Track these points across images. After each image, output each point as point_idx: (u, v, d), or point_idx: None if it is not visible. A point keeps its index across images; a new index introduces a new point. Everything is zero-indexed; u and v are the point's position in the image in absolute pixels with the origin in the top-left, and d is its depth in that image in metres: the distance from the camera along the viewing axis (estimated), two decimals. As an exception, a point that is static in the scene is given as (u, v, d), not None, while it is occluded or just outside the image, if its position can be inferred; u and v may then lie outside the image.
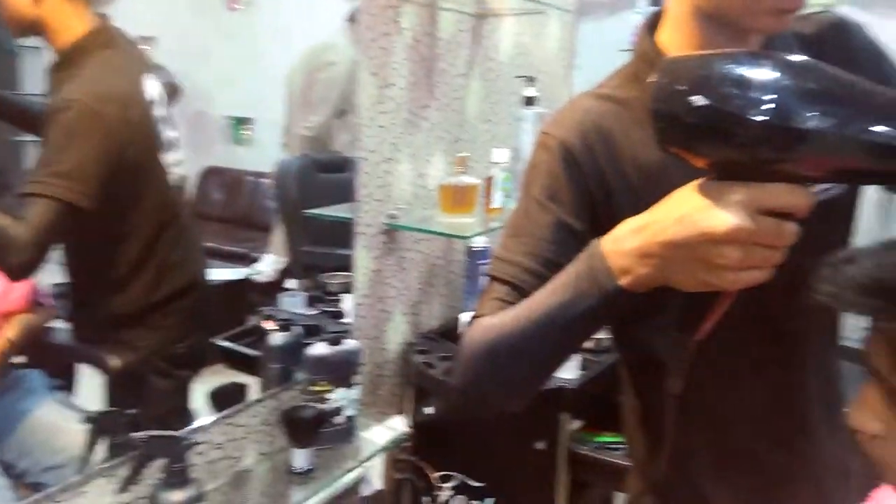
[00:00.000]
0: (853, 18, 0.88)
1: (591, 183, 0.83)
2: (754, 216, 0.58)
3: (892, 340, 0.55)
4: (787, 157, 0.56)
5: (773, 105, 0.53)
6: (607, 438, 1.61)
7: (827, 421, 0.99)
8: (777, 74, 0.54)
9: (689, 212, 0.62)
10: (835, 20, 0.89)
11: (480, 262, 1.67)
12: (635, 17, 2.76)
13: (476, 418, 1.46)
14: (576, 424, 1.52)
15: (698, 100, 0.56)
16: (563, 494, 1.45)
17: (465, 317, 1.63)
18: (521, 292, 0.81)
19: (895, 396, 0.57)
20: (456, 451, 1.60)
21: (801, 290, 0.93)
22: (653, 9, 0.91)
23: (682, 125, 0.59)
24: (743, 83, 0.55)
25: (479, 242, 1.68)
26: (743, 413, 0.94)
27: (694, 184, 0.63)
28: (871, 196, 0.95)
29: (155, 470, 1.08)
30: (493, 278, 0.85)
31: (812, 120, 0.53)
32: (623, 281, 0.69)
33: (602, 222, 0.82)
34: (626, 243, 0.68)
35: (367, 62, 1.50)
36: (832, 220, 0.87)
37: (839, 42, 0.86)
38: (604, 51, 2.29)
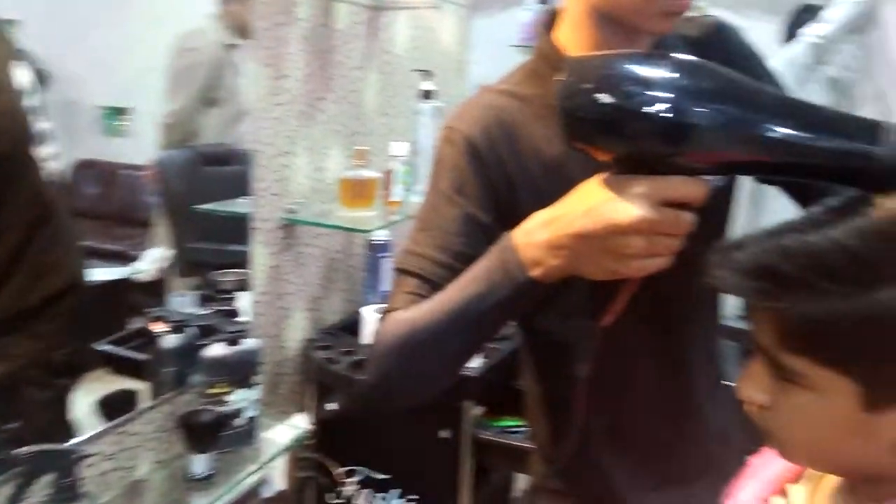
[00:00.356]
0: (731, 23, 0.95)
1: (496, 177, 0.85)
2: (656, 207, 0.62)
3: (775, 319, 0.59)
4: (684, 151, 0.60)
5: (671, 103, 0.57)
6: (509, 423, 1.65)
7: (710, 394, 1.07)
8: (675, 74, 0.58)
9: (596, 205, 0.65)
10: (716, 23, 0.95)
11: (381, 255, 1.67)
12: (525, 14, 2.84)
13: (379, 412, 1.46)
14: (478, 411, 1.56)
15: (603, 97, 0.59)
16: (467, 480, 1.49)
17: (366, 311, 1.62)
18: (432, 285, 0.82)
19: (779, 370, 0.62)
20: (360, 446, 1.60)
21: (689, 274, 0.99)
22: (541, 6, 0.94)
23: (587, 122, 0.62)
24: (643, 82, 0.58)
25: (379, 236, 1.67)
26: (638, 391, 1.00)
27: (598, 178, 0.67)
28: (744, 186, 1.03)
29: (42, 487, 1.02)
30: (404, 272, 0.85)
31: (706, 116, 0.57)
32: (534, 272, 0.71)
33: (507, 215, 0.85)
34: (536, 236, 0.71)
35: (260, 52, 1.46)
36: (715, 210, 0.94)
37: (720, 44, 0.92)
38: (495, 46, 2.34)
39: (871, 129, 0.57)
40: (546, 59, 0.88)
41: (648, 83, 0.58)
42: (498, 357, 1.64)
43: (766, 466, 0.82)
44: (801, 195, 0.94)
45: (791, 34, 2.64)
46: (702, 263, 1.04)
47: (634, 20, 0.80)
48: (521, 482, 1.95)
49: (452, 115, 0.90)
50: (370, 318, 1.60)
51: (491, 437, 1.54)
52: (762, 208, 2.17)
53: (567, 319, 0.91)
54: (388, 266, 1.70)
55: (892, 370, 0.53)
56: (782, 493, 0.75)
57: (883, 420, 0.56)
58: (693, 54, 0.95)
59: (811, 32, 2.58)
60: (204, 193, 1.54)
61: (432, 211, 0.86)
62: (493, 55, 2.41)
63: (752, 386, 0.64)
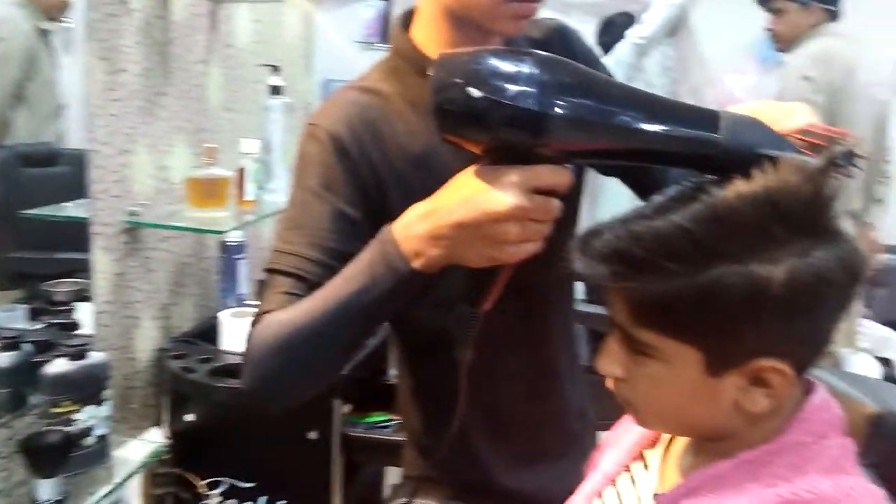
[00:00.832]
0: (571, 26, 1.02)
1: (363, 172, 0.86)
2: (527, 195, 0.66)
3: (628, 298, 0.65)
4: (548, 142, 0.65)
5: (535, 96, 0.61)
6: (377, 418, 1.66)
7: (570, 375, 1.15)
8: (537, 69, 0.63)
9: (472, 195, 0.68)
10: (558, 26, 1.02)
11: (236, 257, 1.61)
12: (368, 10, 2.85)
13: (242, 419, 1.42)
14: (345, 409, 1.55)
15: (472, 91, 0.62)
16: (338, 479, 1.48)
17: (223, 316, 1.56)
18: (307, 283, 0.82)
19: (633, 344, 0.68)
20: (222, 456, 1.53)
21: (549, 261, 1.06)
22: (384, 2, 0.96)
23: (458, 115, 0.65)
24: (509, 76, 0.62)
25: (233, 237, 1.61)
26: (508, 376, 1.05)
27: (472, 169, 0.70)
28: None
29: None
30: (275, 272, 0.84)
31: (568, 108, 0.62)
32: (416, 263, 0.73)
33: (376, 211, 0.86)
34: (415, 228, 0.73)
35: (93, 45, 1.35)
36: (568, 199, 1.01)
37: (562, 45, 0.99)
38: (340, 42, 2.33)
39: (711, 118, 0.64)
40: (404, 56, 0.90)
41: (514, 77, 0.63)
42: (362, 353, 1.64)
43: (623, 436, 0.90)
44: (640, 187, 1.04)
45: (602, 44, 2.87)
46: (559, 250, 1.12)
47: (486, 22, 0.84)
48: (392, 476, 1.97)
49: (315, 113, 0.91)
50: (228, 323, 1.54)
51: (361, 434, 1.55)
52: (600, 201, 2.34)
53: (446, 308, 0.93)
54: (244, 268, 1.64)
55: (727, 338, 0.61)
56: (640, 458, 0.83)
57: (723, 383, 0.63)
58: None
59: (633, 34, 2.81)
60: (25, 198, 1.40)
61: (301, 208, 0.86)
62: (337, 51, 2.41)
63: (609, 361, 0.70)
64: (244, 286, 1.66)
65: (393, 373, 1.81)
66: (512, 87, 0.62)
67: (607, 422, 1.04)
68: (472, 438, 1.06)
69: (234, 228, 1.51)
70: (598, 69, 1.03)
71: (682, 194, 0.63)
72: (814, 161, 0.59)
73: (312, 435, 1.45)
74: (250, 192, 1.54)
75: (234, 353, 1.52)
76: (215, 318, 1.59)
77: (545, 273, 1.01)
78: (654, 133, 0.64)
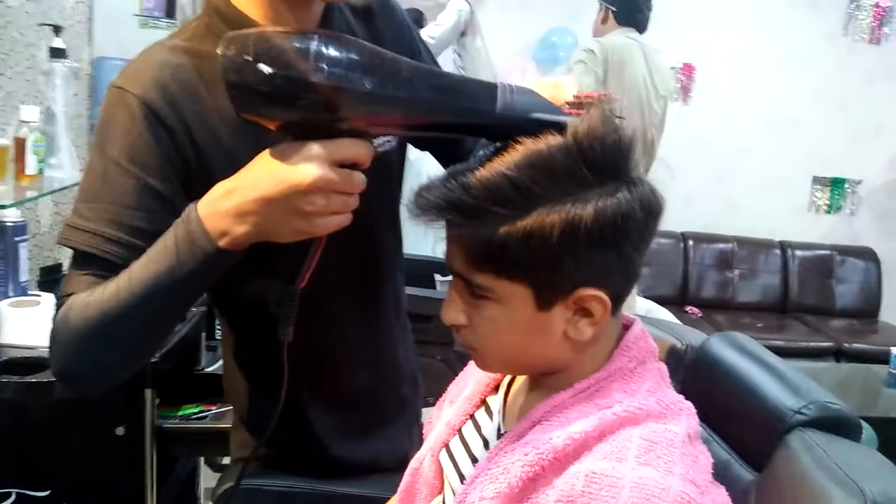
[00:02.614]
0: None
1: (180, 141, 0.81)
2: (331, 167, 0.67)
3: (463, 244, 0.69)
4: (342, 116, 0.66)
5: (325, 71, 0.63)
6: (190, 410, 1.56)
7: (403, 338, 1.17)
8: (326, 47, 0.64)
9: (276, 169, 0.68)
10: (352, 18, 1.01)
11: (17, 239, 1.41)
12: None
13: (33, 418, 1.27)
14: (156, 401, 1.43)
15: (265, 68, 0.63)
16: (151, 475, 1.36)
17: (3, 306, 1.37)
18: (110, 265, 0.76)
19: (473, 290, 0.72)
20: (8, 464, 1.34)
21: (375, 231, 1.07)
22: None
23: (252, 93, 0.65)
24: (300, 53, 0.63)
25: (11, 217, 1.41)
26: (344, 348, 1.05)
27: (275, 147, 0.69)
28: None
29: None
30: (77, 252, 0.78)
31: (355, 83, 0.65)
32: (222, 242, 0.71)
33: (196, 182, 0.81)
34: (220, 205, 0.71)
35: None
36: (387, 170, 1.03)
37: (385, 14, 1.01)
38: (117, 15, 2.12)
39: (489, 89, 0.70)
40: (222, 16, 0.86)
41: (304, 54, 0.64)
42: (171, 343, 1.53)
43: (463, 389, 0.93)
44: (448, 160, 1.09)
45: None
46: (384, 221, 1.13)
47: None
48: (207, 471, 1.87)
49: (122, 75, 0.82)
50: (9, 315, 1.35)
51: (176, 426, 1.44)
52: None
53: (265, 286, 0.91)
54: (24, 252, 1.45)
55: (551, 272, 0.67)
56: (482, 404, 0.87)
57: (552, 316, 0.70)
58: (359, 22, 1.03)
59: (426, 32, 2.96)
60: None
61: (102, 181, 0.78)
62: (113, 25, 2.18)
63: (453, 310, 0.74)
64: (25, 273, 1.46)
65: (205, 362, 1.72)
66: (302, 64, 0.63)
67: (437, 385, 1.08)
68: (305, 411, 1.05)
69: (14, 204, 1.32)
70: (414, 40, 1.06)
71: (500, 149, 0.69)
72: (578, 119, 0.67)
73: (119, 430, 1.32)
74: (32, 165, 1.36)
75: (16, 347, 1.34)
76: (-7, 308, 1.38)
77: (372, 245, 1.02)
78: (437, 104, 0.70)
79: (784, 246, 3.96)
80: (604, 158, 0.66)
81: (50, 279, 1.58)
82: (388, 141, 0.98)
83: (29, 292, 1.47)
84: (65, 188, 1.50)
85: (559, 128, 0.67)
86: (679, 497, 0.62)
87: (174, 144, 0.80)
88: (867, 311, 3.93)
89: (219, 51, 0.66)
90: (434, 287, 2.31)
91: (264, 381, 1.04)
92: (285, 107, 0.66)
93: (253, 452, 0.98)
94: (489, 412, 0.85)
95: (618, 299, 0.69)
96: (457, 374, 1.13)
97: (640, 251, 0.69)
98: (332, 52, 0.65)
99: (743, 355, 0.83)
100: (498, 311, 0.71)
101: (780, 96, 3.69)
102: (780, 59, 3.69)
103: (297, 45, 0.64)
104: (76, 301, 0.75)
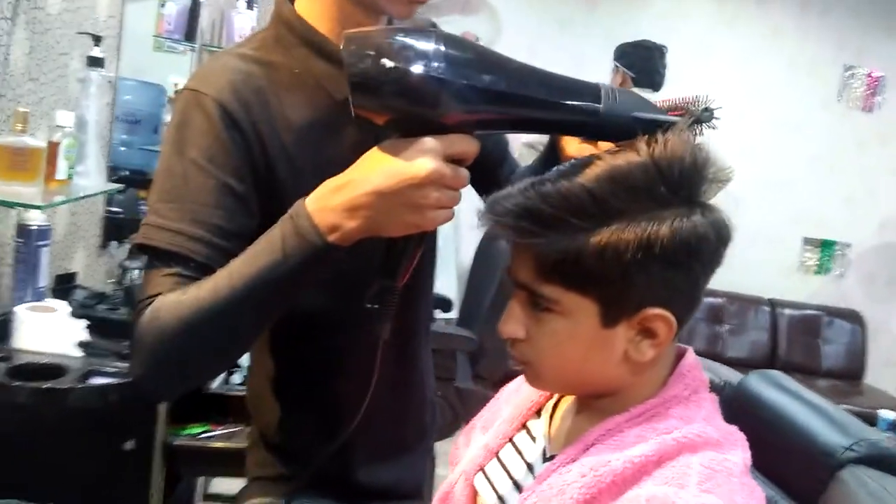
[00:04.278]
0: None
1: (252, 143, 0.82)
2: (443, 161, 0.69)
3: (533, 255, 0.71)
4: (454, 111, 0.68)
5: (444, 68, 0.66)
6: (195, 430, 1.54)
7: (428, 364, 1.17)
8: (443, 45, 0.67)
9: (390, 163, 0.69)
10: (431, 22, 1.07)
11: (39, 244, 1.40)
12: (171, 5, 2.64)
13: (44, 425, 1.24)
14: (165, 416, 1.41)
15: (387, 62, 0.65)
16: (157, 494, 1.33)
17: (21, 311, 1.35)
18: (195, 264, 0.76)
19: (537, 302, 0.73)
20: (10, 474, 1.30)
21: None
22: None
23: (372, 86, 0.67)
24: (420, 50, 0.66)
25: (36, 220, 1.40)
26: (380, 368, 1.04)
27: (384, 143, 0.70)
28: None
29: None
30: (155, 250, 0.77)
31: (473, 80, 0.68)
32: (332, 237, 0.71)
33: (263, 185, 0.82)
34: (330, 200, 0.71)
35: None
36: None
37: None
38: (138, 36, 2.13)
39: (595, 89, 0.72)
40: (290, 27, 0.88)
41: (424, 51, 0.67)
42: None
43: (501, 412, 0.93)
44: (482, 185, 1.11)
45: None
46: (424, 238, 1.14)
47: (380, 3, 0.85)
48: (202, 489, 1.82)
49: (194, 79, 0.85)
50: (26, 319, 1.33)
51: (187, 443, 1.42)
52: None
53: (334, 289, 0.87)
54: (45, 257, 1.43)
55: (618, 290, 0.69)
56: (523, 428, 0.87)
57: (615, 334, 0.71)
58: None
59: None
60: None
61: (182, 181, 0.79)
62: (133, 45, 2.20)
63: (512, 323, 0.75)
64: (45, 278, 1.45)
65: (214, 384, 1.69)
66: (422, 60, 0.66)
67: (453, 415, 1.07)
68: (338, 431, 1.04)
69: (44, 207, 1.31)
70: None
71: (579, 164, 0.70)
72: (682, 120, 0.70)
73: (129, 445, 1.30)
74: (62, 170, 1.35)
75: (31, 352, 1.32)
76: (9, 312, 1.36)
77: (420, 267, 1.03)
78: (546, 102, 0.72)
79: (773, 304, 4.01)
80: (681, 178, 0.68)
81: (64, 287, 1.56)
82: None
83: (45, 298, 1.45)
84: (90, 195, 1.50)
85: (663, 127, 0.68)
86: None
87: (246, 146, 0.81)
88: (852, 372, 3.98)
89: (341, 46, 0.68)
90: (433, 320, 2.31)
91: (291, 398, 1.03)
92: (402, 101, 0.67)
93: (308, 470, 0.96)
94: (531, 436, 0.85)
95: (681, 323, 0.70)
96: (456, 412, 1.12)
97: (707, 277, 0.71)
98: (450, 49, 0.67)
99: (783, 393, 0.84)
100: (561, 325, 0.71)
101: (775, 158, 3.79)
102: (776, 121, 3.79)
103: (418, 42, 0.67)
104: (166, 301, 0.74)
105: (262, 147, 0.83)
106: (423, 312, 1.12)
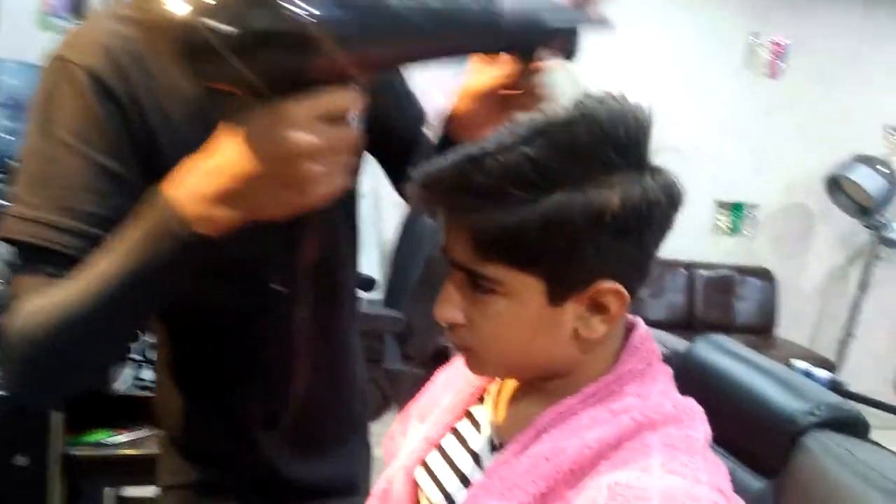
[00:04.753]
0: None
1: (132, 117, 0.72)
2: (320, 126, 0.58)
3: (471, 232, 0.63)
4: (321, 56, 0.56)
5: (313, 10, 0.53)
6: (99, 436, 1.40)
7: (357, 352, 1.09)
8: None
9: (260, 140, 0.58)
10: None
11: None
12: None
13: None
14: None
15: (221, 26, 0.52)
16: (57, 510, 1.20)
17: None
18: (62, 259, 0.67)
19: (477, 284, 0.66)
20: None
21: (331, 217, 0.98)
22: None
23: (212, 48, 0.53)
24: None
25: None
26: (295, 351, 0.95)
27: (250, 114, 0.59)
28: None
29: None
30: (21, 244, 0.68)
31: (344, 16, 0.55)
32: (203, 229, 0.62)
33: (146, 165, 0.74)
34: (196, 188, 0.61)
35: None
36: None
37: None
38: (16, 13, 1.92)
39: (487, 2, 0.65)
40: None
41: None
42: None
43: (438, 400, 0.86)
44: (393, 162, 1.02)
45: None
46: (340, 212, 1.04)
47: None
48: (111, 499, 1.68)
49: (65, 45, 0.74)
50: None
51: (88, 453, 1.28)
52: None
53: (239, 278, 0.81)
54: None
55: (569, 262, 0.62)
56: (466, 416, 0.80)
57: (563, 312, 0.64)
58: None
59: None
60: None
61: (46, 164, 0.69)
62: (11, 21, 1.98)
63: (449, 307, 0.68)
64: None
65: (115, 384, 1.55)
66: (284, 5, 0.53)
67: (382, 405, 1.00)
68: (251, 426, 0.96)
69: None
70: None
71: (515, 128, 0.63)
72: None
73: (21, 460, 1.15)
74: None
75: None
76: None
77: (329, 239, 0.94)
78: (441, 15, 0.62)
79: (690, 265, 4.12)
80: (628, 139, 0.62)
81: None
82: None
83: None
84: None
85: (571, 31, 0.62)
86: None
87: (125, 120, 0.72)
88: (764, 326, 4.14)
89: (165, 9, 0.55)
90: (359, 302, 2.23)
91: (203, 396, 0.95)
92: (253, 55, 0.54)
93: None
94: (475, 424, 0.78)
95: (633, 295, 0.64)
96: (385, 395, 1.05)
97: (658, 244, 0.65)
98: None
99: (733, 359, 0.80)
100: (504, 307, 0.64)
101: (687, 124, 3.86)
102: (688, 88, 3.86)
103: None
104: (29, 308, 0.65)
105: (142, 120, 0.74)
106: (347, 294, 1.03)
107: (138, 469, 1.07)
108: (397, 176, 1.03)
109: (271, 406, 0.94)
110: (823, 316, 4.13)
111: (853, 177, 3.52)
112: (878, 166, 3.53)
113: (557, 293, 0.64)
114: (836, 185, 3.65)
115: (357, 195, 0.99)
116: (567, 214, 0.59)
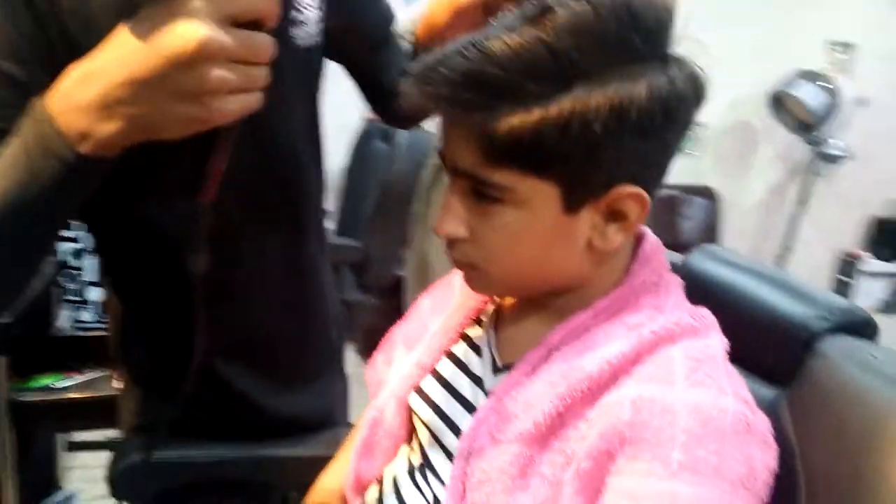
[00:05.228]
0: None
1: (44, 21, 0.62)
2: (224, 26, 0.50)
3: (480, 135, 0.57)
4: None
5: None
6: (47, 380, 1.31)
7: (328, 282, 1.03)
8: None
9: (147, 39, 0.50)
10: None
11: None
12: None
13: None
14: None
15: None
16: (8, 458, 1.12)
17: None
18: None
19: (485, 193, 0.60)
20: None
21: (292, 137, 0.91)
22: None
23: None
24: None
25: None
26: (260, 282, 0.91)
27: (143, 9, 0.51)
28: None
29: None
30: None
31: None
32: (84, 147, 0.53)
33: (60, 66, 0.63)
34: (76, 96, 0.53)
35: None
36: (309, 73, 0.87)
37: None
38: None
39: None
40: None
41: None
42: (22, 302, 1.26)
43: (427, 324, 0.81)
44: (366, 77, 0.95)
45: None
46: (303, 133, 0.95)
47: None
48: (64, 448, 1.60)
49: None
50: None
51: (37, 398, 1.20)
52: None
53: (163, 206, 0.75)
54: None
55: (585, 169, 0.57)
56: (463, 338, 0.75)
57: (578, 221, 0.59)
58: None
59: None
60: None
61: None
62: None
63: (452, 221, 0.62)
64: None
65: (61, 324, 1.45)
66: None
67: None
68: (219, 363, 0.90)
69: None
70: None
71: (528, 13, 0.56)
72: None
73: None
74: None
75: None
76: None
77: (292, 160, 0.86)
78: None
79: (638, 187, 4.17)
80: (658, 26, 0.56)
81: None
82: (312, 35, 0.82)
83: None
84: None
85: None
86: (737, 418, 0.56)
87: (35, 21, 0.61)
88: (708, 243, 4.27)
89: None
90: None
91: (163, 330, 0.89)
92: None
93: (169, 414, 0.81)
94: (474, 347, 0.74)
95: (652, 200, 0.60)
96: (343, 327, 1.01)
97: (679, 142, 0.60)
98: None
99: (732, 268, 0.78)
100: (514, 217, 0.59)
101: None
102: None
103: None
104: None
105: (59, 24, 0.64)
106: (312, 214, 0.97)
107: (90, 413, 1.01)
108: (365, 81, 0.96)
109: (230, 336, 0.88)
110: (764, 231, 4.26)
111: (795, 93, 3.56)
112: (820, 82, 3.57)
113: (573, 200, 0.59)
114: (779, 103, 3.69)
115: (318, 114, 0.90)
116: (589, 112, 0.54)
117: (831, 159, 3.68)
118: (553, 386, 0.59)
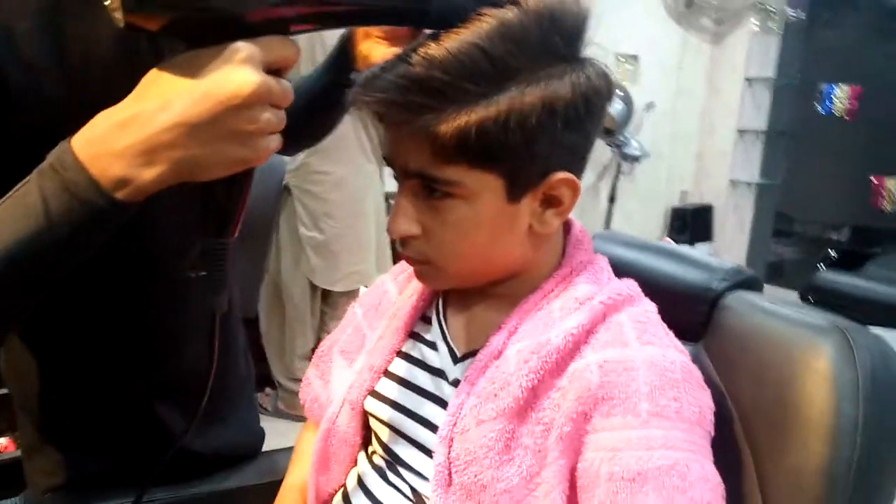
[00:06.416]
0: None
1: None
2: (264, 73, 0.53)
3: (429, 135, 0.61)
4: (268, 1, 0.54)
5: None
6: None
7: (234, 309, 1.02)
8: None
9: (197, 83, 0.51)
10: None
11: None
12: None
13: None
14: None
15: None
16: None
17: None
18: None
19: (435, 190, 0.65)
20: None
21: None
22: None
23: None
24: None
25: None
26: (186, 319, 0.88)
27: (177, 58, 0.53)
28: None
29: None
30: None
31: None
32: (121, 193, 0.52)
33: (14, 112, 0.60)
34: (113, 143, 0.52)
35: None
36: None
37: None
38: None
39: None
40: None
41: None
42: None
43: (369, 331, 0.83)
44: None
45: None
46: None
47: None
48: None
49: None
50: None
51: None
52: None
53: (178, 243, 0.74)
54: None
55: (524, 160, 0.64)
56: (412, 337, 0.78)
57: (520, 208, 0.67)
58: None
59: None
60: None
61: None
62: None
63: (404, 221, 0.66)
64: None
65: None
66: None
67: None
68: (152, 403, 0.87)
69: None
70: None
71: (461, 26, 0.62)
72: None
73: None
74: None
75: None
76: None
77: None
78: None
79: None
80: (576, 29, 0.64)
81: None
82: None
83: None
84: None
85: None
86: (683, 367, 0.65)
87: None
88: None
89: None
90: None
91: (78, 378, 0.84)
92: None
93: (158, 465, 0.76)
94: (427, 342, 0.77)
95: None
96: None
97: (596, 133, 0.69)
98: None
99: (633, 249, 0.88)
100: (464, 210, 0.65)
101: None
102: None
103: None
104: None
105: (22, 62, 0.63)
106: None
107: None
108: None
109: (168, 380, 0.85)
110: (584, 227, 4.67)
111: (598, 102, 3.94)
112: (616, 91, 4.00)
113: (515, 189, 0.65)
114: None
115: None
116: (524, 108, 0.60)
117: (632, 159, 4.12)
118: (525, 361, 0.65)
